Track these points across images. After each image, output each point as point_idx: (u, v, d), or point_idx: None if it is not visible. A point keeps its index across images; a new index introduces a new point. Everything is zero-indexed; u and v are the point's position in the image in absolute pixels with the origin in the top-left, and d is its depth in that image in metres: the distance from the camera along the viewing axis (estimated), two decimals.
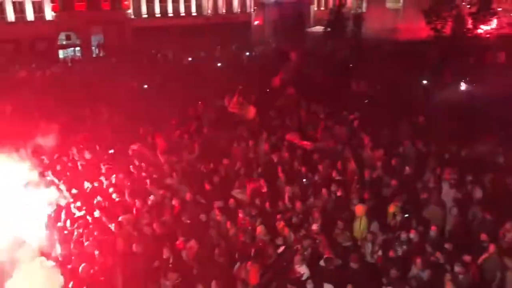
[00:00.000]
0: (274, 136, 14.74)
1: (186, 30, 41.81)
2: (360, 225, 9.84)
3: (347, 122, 15.54)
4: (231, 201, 10.97)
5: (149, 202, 11.26)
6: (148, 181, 12.19)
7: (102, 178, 12.60)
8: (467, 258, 8.25)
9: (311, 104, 18.08)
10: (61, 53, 39.81)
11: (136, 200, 11.16)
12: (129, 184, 12.11)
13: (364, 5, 63.75)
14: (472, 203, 10.27)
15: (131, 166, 13.10)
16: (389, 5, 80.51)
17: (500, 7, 37.13)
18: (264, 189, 11.35)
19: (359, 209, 10.00)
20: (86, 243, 9.78)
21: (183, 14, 46.19)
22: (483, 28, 35.91)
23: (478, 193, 10.44)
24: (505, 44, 30.30)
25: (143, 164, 13.21)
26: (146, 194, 11.61)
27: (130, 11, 42.83)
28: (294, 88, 20.01)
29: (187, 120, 17.14)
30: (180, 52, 35.05)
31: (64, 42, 40.38)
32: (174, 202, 11.03)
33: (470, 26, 34.83)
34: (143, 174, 12.73)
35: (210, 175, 12.39)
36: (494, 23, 36.57)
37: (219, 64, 30.59)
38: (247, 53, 36.71)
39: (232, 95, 15.84)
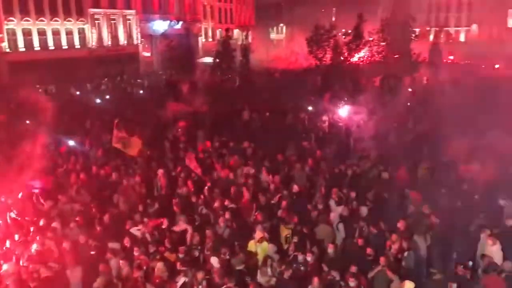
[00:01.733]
0: (170, 170, 14.49)
1: (69, 63, 39.92)
2: (259, 250, 9.93)
3: (240, 151, 15.82)
4: (126, 240, 10.48)
5: (33, 250, 10.32)
6: (32, 227, 11.21)
7: None
8: (357, 272, 8.67)
9: (206, 135, 18.16)
10: None
11: (18, 248, 10.21)
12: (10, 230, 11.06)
13: (250, 36, 66.39)
14: (358, 219, 10.88)
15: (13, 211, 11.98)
16: (273, 36, 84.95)
17: (371, 37, 40.70)
18: (164, 225, 11.05)
19: (257, 234, 10.11)
20: None
21: (65, 47, 44.14)
22: (357, 56, 39.27)
23: (363, 210, 11.14)
24: (376, 70, 33.33)
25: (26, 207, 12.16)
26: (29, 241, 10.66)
27: (5, 44, 39.89)
28: (187, 119, 20.04)
29: (74, 157, 16.20)
30: (64, 86, 33.34)
31: None
32: (64, 246, 10.24)
33: (346, 54, 37.90)
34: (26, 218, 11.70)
35: (100, 215, 11.75)
36: (366, 51, 40.18)
37: (107, 97, 29.58)
38: (137, 85, 36.08)
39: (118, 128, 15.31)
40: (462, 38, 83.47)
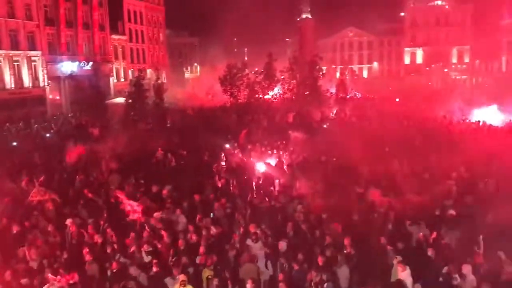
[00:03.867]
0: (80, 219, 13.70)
1: None
2: None
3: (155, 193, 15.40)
4: None
5: None
6: None
7: None
8: None
9: (119, 178, 17.46)
10: None
11: None
12: None
13: (164, 76, 66.23)
14: (279, 255, 10.91)
15: None
16: (187, 75, 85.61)
17: (282, 75, 42.37)
18: (75, 279, 10.30)
19: (180, 277, 9.76)
20: None
21: None
22: (269, 94, 40.68)
23: (283, 245, 11.20)
24: (289, 106, 34.58)
25: None
26: None
27: None
28: (98, 162, 19.26)
29: None
30: None
31: None
32: None
33: (259, 92, 39.10)
34: None
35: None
36: (278, 89, 41.76)
37: (14, 144, 27.50)
38: (44, 129, 34.14)
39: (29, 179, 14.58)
40: (365, 74, 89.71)
